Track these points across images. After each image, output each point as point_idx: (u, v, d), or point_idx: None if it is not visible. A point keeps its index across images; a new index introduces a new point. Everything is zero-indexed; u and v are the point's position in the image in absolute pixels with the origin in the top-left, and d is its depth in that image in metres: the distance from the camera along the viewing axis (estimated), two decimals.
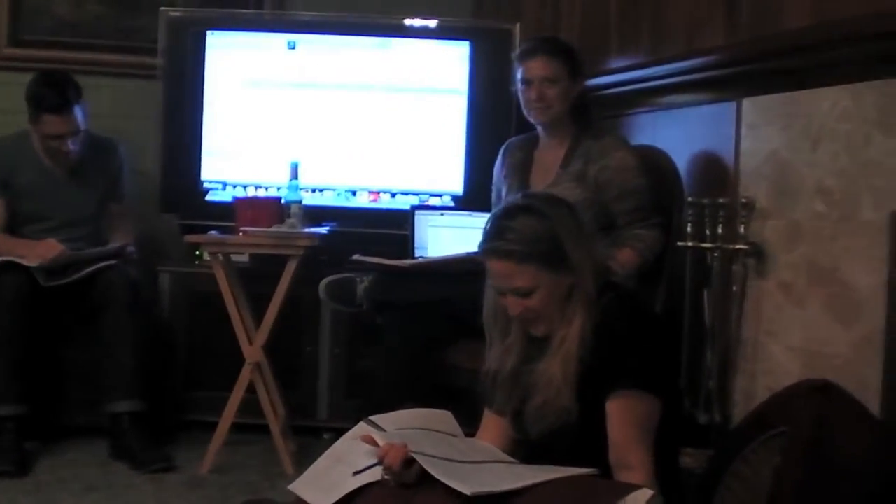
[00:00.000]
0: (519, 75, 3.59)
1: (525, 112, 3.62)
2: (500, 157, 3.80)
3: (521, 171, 3.67)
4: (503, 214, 2.46)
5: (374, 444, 2.37)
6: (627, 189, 3.47)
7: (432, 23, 4.69)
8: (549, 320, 2.44)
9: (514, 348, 2.53)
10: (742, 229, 3.33)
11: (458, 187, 4.58)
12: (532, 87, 3.54)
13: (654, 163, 3.62)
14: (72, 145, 4.28)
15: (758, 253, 3.29)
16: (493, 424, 2.62)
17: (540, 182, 3.59)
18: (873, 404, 2.70)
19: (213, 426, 4.03)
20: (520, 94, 3.61)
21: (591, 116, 3.68)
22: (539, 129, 3.66)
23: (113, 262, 4.21)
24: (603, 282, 2.48)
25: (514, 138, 3.90)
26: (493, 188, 3.83)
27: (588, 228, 2.54)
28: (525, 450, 2.52)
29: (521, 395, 2.51)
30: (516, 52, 3.71)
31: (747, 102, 3.39)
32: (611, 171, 3.47)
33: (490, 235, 2.45)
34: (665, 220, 3.53)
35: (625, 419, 2.36)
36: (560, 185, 3.49)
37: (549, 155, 3.62)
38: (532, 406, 2.46)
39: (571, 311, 2.42)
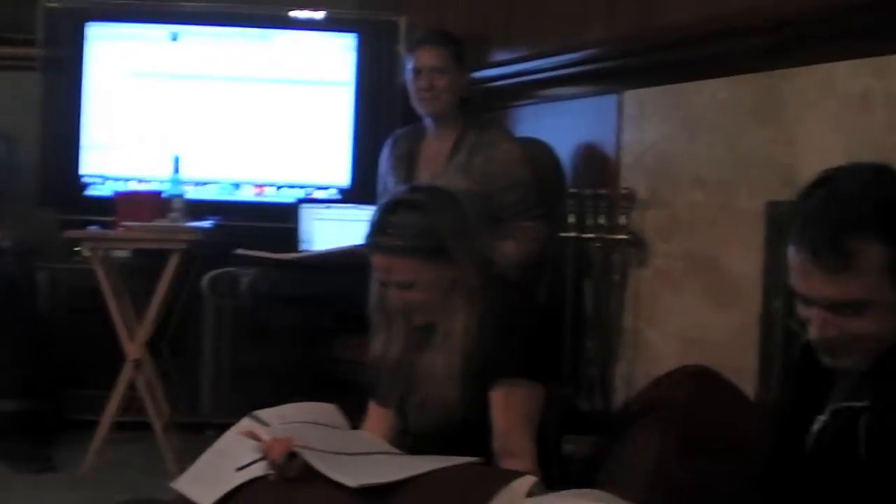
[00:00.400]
0: (409, 65, 3.58)
1: (414, 103, 3.61)
2: (386, 149, 3.78)
3: (408, 163, 3.66)
4: (386, 209, 2.46)
5: (258, 439, 2.35)
6: (512, 181, 3.47)
7: (318, 14, 4.66)
8: (431, 312, 2.45)
9: (398, 338, 2.53)
10: (622, 220, 3.37)
11: (344, 180, 4.56)
12: (422, 77, 3.53)
13: (537, 155, 3.65)
14: None
15: (638, 243, 3.34)
16: (378, 416, 2.62)
17: (426, 173, 3.59)
18: (750, 389, 2.76)
19: (94, 425, 3.97)
20: (409, 85, 3.60)
21: (476, 109, 3.69)
22: (427, 120, 3.65)
23: None
24: (487, 273, 2.49)
25: (400, 130, 3.89)
26: (379, 180, 3.81)
27: (473, 221, 2.54)
28: (411, 441, 2.52)
29: (405, 387, 2.51)
30: (405, 43, 3.70)
31: (628, 95, 3.44)
32: (496, 163, 3.47)
33: (373, 230, 2.45)
34: (548, 212, 3.55)
35: (508, 407, 2.37)
36: (446, 176, 3.49)
37: (436, 147, 3.61)
38: (416, 399, 2.47)
39: (455, 304, 2.43)
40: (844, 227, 1.64)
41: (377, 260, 2.44)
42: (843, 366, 1.75)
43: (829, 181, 1.72)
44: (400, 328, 2.51)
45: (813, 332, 1.71)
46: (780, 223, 2.66)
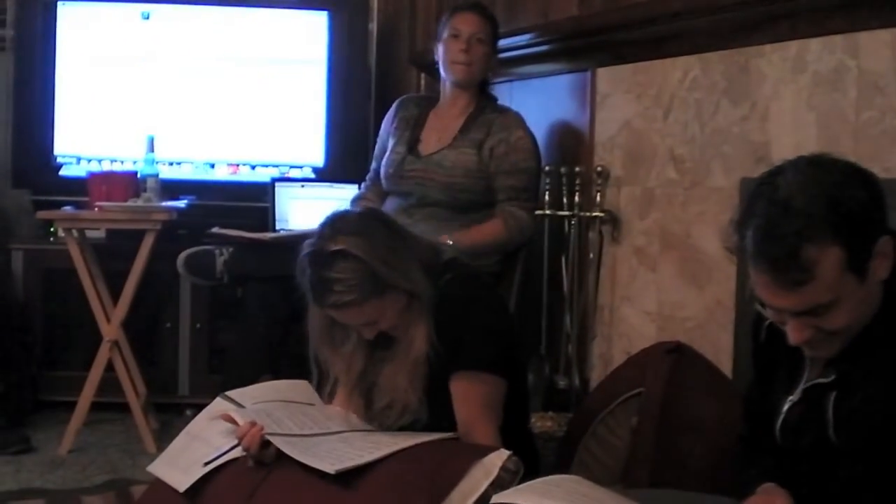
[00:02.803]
0: (445, 32, 3.56)
1: (444, 69, 3.58)
2: (392, 111, 3.77)
3: (413, 127, 3.65)
4: (320, 264, 2.35)
5: (234, 422, 2.35)
6: (518, 168, 3.47)
7: None
8: (402, 327, 2.42)
9: (358, 352, 2.49)
10: (598, 197, 3.39)
11: (318, 159, 4.56)
12: (460, 41, 3.51)
13: None
14: None
15: (613, 220, 3.36)
16: (346, 400, 2.60)
17: (431, 140, 3.59)
18: (726, 365, 2.79)
19: (71, 406, 3.95)
20: (441, 49, 3.57)
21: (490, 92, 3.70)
22: (445, 88, 3.64)
23: None
24: (438, 265, 2.47)
25: (409, 94, 3.90)
26: (379, 140, 3.79)
27: (403, 230, 2.49)
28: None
29: (368, 388, 2.51)
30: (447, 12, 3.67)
31: (601, 72, 3.45)
32: (507, 146, 3.47)
33: (318, 292, 2.35)
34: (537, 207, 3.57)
35: (468, 399, 2.37)
36: (458, 148, 3.50)
37: (447, 117, 3.61)
38: (378, 406, 2.45)
39: (415, 315, 2.40)
40: (798, 239, 1.60)
41: (337, 314, 2.38)
42: (824, 356, 1.76)
43: (768, 188, 1.67)
44: (359, 343, 2.48)
45: (791, 339, 1.69)
46: None
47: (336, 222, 2.40)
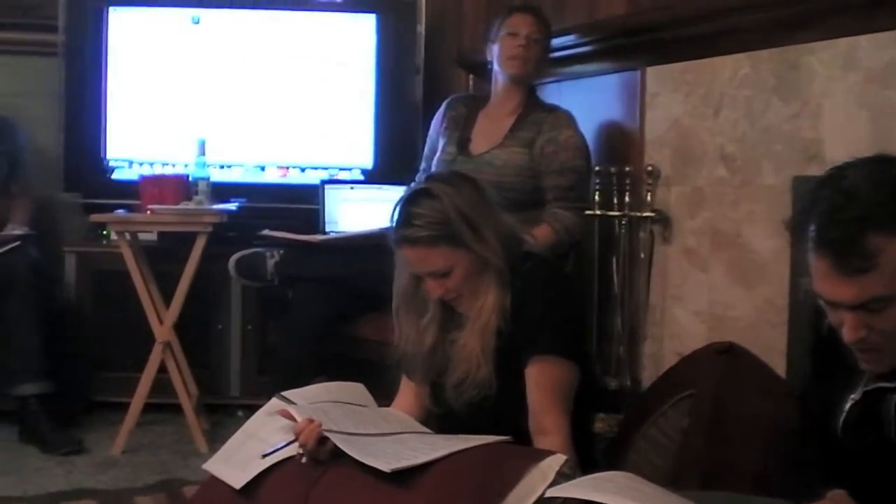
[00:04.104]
0: (502, 31, 3.59)
1: (498, 65, 3.61)
2: (441, 111, 3.81)
3: (463, 127, 3.68)
4: (407, 201, 2.46)
5: (291, 418, 2.37)
6: (567, 167, 3.48)
7: None
8: (471, 295, 2.45)
9: (433, 326, 2.53)
10: (648, 197, 3.37)
11: (367, 161, 4.57)
12: (518, 38, 3.55)
13: None
14: None
15: (663, 220, 3.34)
16: (409, 393, 2.64)
17: (480, 140, 3.61)
18: (779, 365, 2.76)
19: (122, 407, 3.99)
20: (497, 47, 3.60)
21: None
22: (496, 88, 3.67)
23: (14, 244, 4.13)
24: (519, 252, 2.50)
25: (458, 94, 3.92)
26: (428, 140, 3.84)
27: (494, 202, 2.54)
28: (445, 421, 2.54)
29: (440, 368, 2.52)
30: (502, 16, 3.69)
31: (650, 71, 3.44)
32: (557, 145, 3.49)
33: (398, 224, 2.45)
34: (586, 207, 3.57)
35: (542, 384, 2.38)
36: (508, 148, 3.52)
37: (498, 117, 3.64)
38: (452, 380, 2.47)
39: (486, 285, 2.44)
40: (862, 226, 1.59)
41: (408, 253, 2.45)
42: (881, 369, 1.73)
43: (833, 180, 1.67)
44: (434, 315, 2.52)
45: (846, 336, 1.68)
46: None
47: (435, 173, 2.53)
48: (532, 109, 3.59)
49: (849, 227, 1.60)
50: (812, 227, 1.65)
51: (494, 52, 3.61)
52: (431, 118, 3.82)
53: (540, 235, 3.36)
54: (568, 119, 3.55)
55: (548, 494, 1.99)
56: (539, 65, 3.62)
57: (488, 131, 3.61)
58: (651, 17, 3.38)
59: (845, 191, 1.63)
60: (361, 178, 4.54)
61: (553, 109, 3.60)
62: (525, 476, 2.10)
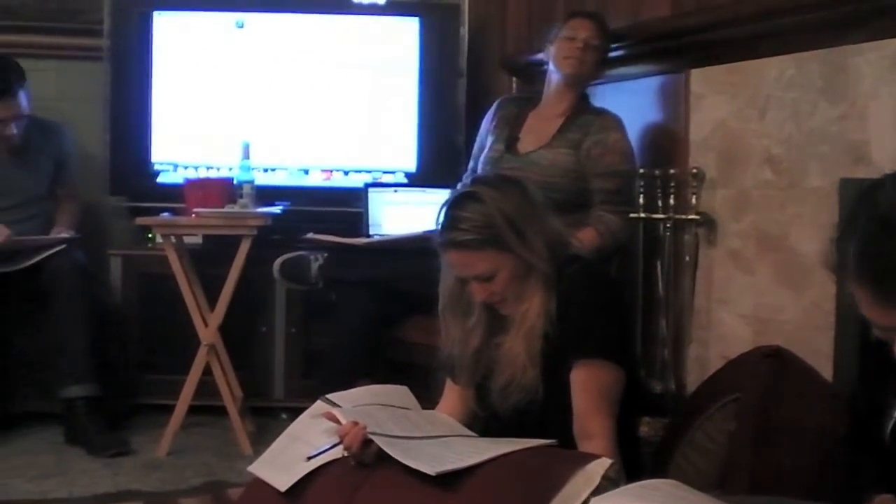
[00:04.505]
0: (561, 33, 3.61)
1: (554, 65, 3.63)
2: (491, 110, 3.84)
3: (512, 127, 3.70)
4: (452, 204, 2.46)
5: (336, 421, 2.37)
6: (613, 170, 3.49)
7: None
8: (516, 299, 2.45)
9: (478, 328, 2.53)
10: (692, 199, 3.35)
11: (410, 164, 4.58)
12: (576, 41, 3.58)
13: None
14: (14, 129, 4.23)
15: (708, 222, 3.32)
16: (454, 396, 2.63)
17: (528, 140, 3.63)
18: (826, 369, 2.74)
19: (166, 409, 4.02)
20: (554, 49, 3.62)
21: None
22: (549, 89, 3.68)
23: (61, 247, 4.17)
24: (565, 255, 2.49)
25: (509, 95, 3.93)
26: (477, 140, 3.86)
27: (541, 205, 2.54)
28: (490, 424, 2.53)
29: (485, 371, 2.52)
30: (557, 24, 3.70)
31: (695, 73, 3.41)
32: (604, 147, 3.50)
33: (444, 227, 2.45)
34: (631, 210, 3.56)
35: (587, 388, 2.37)
36: (555, 148, 3.53)
37: (547, 117, 3.65)
38: (497, 384, 2.46)
39: (531, 289, 2.43)
40: None
41: (453, 256, 2.45)
42: None
43: (867, 204, 1.61)
44: (480, 318, 2.52)
45: None
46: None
47: (482, 175, 2.52)
48: (581, 112, 3.60)
49: (885, 259, 1.57)
50: (850, 257, 1.62)
51: (551, 54, 3.63)
52: (475, 121, 3.83)
53: (585, 238, 3.35)
54: (616, 122, 3.55)
55: (592, 503, 1.98)
56: (594, 70, 3.63)
57: (537, 131, 3.63)
58: (695, 20, 3.37)
59: (879, 218, 1.59)
60: (405, 181, 4.55)
61: (602, 112, 3.61)
62: (570, 480, 2.09)
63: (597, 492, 2.07)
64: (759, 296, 3.11)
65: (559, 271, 2.43)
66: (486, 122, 3.81)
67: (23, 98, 4.22)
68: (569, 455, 2.24)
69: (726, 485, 2.46)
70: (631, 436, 2.56)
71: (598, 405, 2.36)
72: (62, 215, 4.46)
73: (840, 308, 2.76)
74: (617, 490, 2.00)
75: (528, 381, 2.40)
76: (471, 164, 3.80)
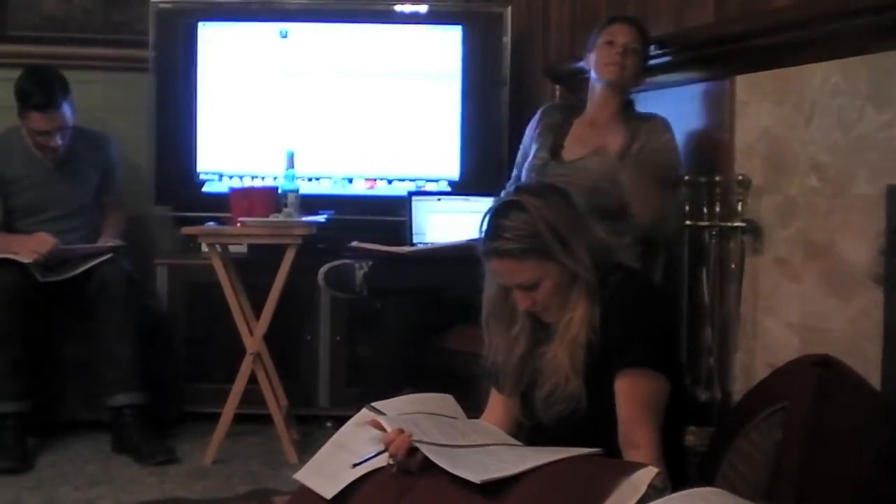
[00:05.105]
0: (600, 39, 3.59)
1: (596, 71, 3.61)
2: (535, 118, 3.81)
3: (556, 135, 3.68)
4: (496, 212, 2.46)
5: (381, 428, 2.38)
6: (666, 164, 3.49)
7: (423, 8, 4.69)
8: (560, 308, 2.45)
9: (522, 337, 2.53)
10: (738, 207, 3.33)
11: (454, 172, 4.59)
12: (615, 47, 3.55)
13: None
14: (59, 140, 4.27)
15: (754, 230, 3.29)
16: (499, 405, 2.63)
17: (574, 148, 3.61)
18: (874, 378, 2.71)
19: (212, 417, 4.05)
20: (595, 55, 3.60)
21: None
22: (593, 96, 3.66)
23: (108, 255, 4.20)
24: (608, 263, 2.49)
25: (553, 102, 3.92)
26: (521, 148, 3.83)
27: (584, 213, 2.53)
28: (535, 434, 2.53)
29: (529, 380, 2.52)
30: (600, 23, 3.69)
31: (740, 80, 3.39)
32: (653, 150, 3.48)
33: (487, 236, 2.45)
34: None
35: (632, 397, 2.36)
36: (602, 154, 3.52)
37: (592, 124, 3.63)
38: (541, 393, 2.46)
39: (575, 298, 2.43)
40: None
41: (496, 265, 2.45)
42: None
43: None
44: (524, 326, 2.52)
45: None
46: None
47: (525, 183, 2.55)
48: (628, 119, 3.58)
49: None
50: None
51: (592, 61, 3.61)
52: (518, 129, 3.82)
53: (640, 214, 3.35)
54: (665, 124, 3.54)
55: None
56: (636, 74, 3.60)
57: (582, 138, 3.61)
58: (739, 26, 3.34)
59: None
60: (448, 189, 4.55)
61: (649, 117, 3.60)
62: (616, 489, 2.08)
63: (642, 501, 2.06)
64: (806, 304, 3.08)
65: (603, 280, 2.43)
66: (530, 130, 3.79)
67: (67, 110, 4.26)
68: (614, 464, 2.23)
69: (773, 494, 2.44)
70: (677, 445, 2.54)
71: (643, 414, 2.35)
72: (108, 225, 4.51)
73: (888, 317, 2.73)
74: (662, 499, 1.99)
75: (572, 391, 2.40)
76: (514, 171, 3.80)
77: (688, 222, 3.51)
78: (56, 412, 4.30)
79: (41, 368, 4.20)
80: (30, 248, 4.10)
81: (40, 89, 4.20)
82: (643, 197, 3.39)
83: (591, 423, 2.38)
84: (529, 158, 3.68)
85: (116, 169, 4.62)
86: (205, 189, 4.65)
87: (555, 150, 3.62)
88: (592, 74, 3.63)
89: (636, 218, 3.40)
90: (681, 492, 1.99)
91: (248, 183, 4.57)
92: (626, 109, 3.64)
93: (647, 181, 3.39)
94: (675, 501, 1.94)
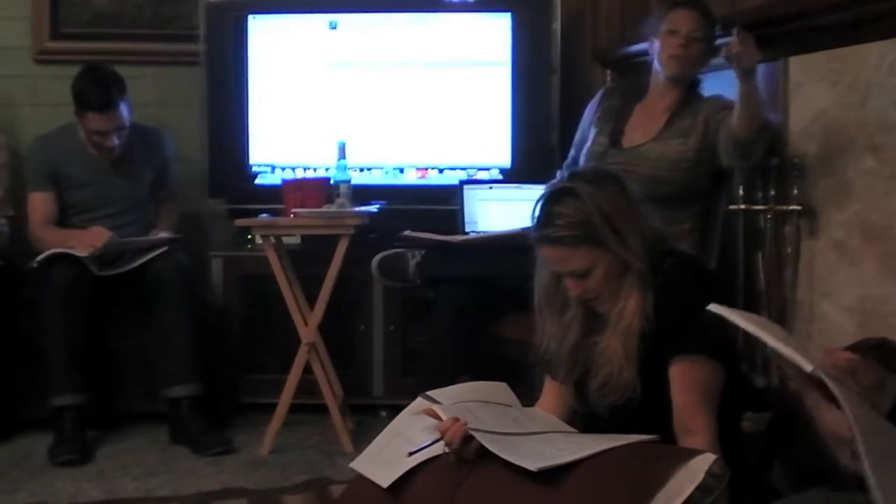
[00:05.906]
0: (663, 27, 3.52)
1: (658, 63, 3.56)
2: (595, 100, 3.77)
3: (617, 118, 3.64)
4: (549, 199, 2.45)
5: (437, 417, 2.38)
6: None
7: None
8: (611, 296, 2.43)
9: (575, 324, 2.52)
10: (794, 190, 3.30)
11: (505, 160, 4.57)
12: (678, 36, 3.48)
13: None
14: (116, 140, 4.30)
15: (810, 213, 3.26)
16: (553, 393, 2.63)
17: (634, 133, 3.58)
18: None
19: (268, 408, 4.07)
20: (658, 44, 3.54)
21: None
22: (656, 83, 3.62)
23: (163, 249, 4.24)
24: (662, 250, 2.47)
25: (614, 84, 3.86)
26: (579, 130, 3.80)
27: (638, 201, 2.51)
28: (590, 421, 2.52)
29: (583, 369, 2.51)
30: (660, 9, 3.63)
31: (793, 61, 3.35)
32: (721, 118, 3.39)
33: (539, 223, 2.44)
34: None
35: (687, 384, 2.35)
36: (664, 141, 3.50)
37: (653, 112, 3.59)
38: (595, 383, 2.45)
39: (628, 286, 2.41)
40: None
41: (548, 252, 2.44)
42: None
43: None
44: (577, 314, 2.50)
45: None
46: None
47: (579, 169, 2.69)
48: (687, 103, 3.54)
49: None
50: None
51: (654, 49, 3.55)
52: (569, 115, 3.80)
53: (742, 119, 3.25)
54: (725, 101, 3.46)
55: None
56: (700, 62, 3.54)
57: (643, 125, 3.57)
58: (794, 6, 3.30)
59: None
60: (500, 177, 4.54)
61: (710, 98, 3.55)
62: (673, 476, 2.07)
63: (703, 488, 2.05)
64: (864, 287, 3.04)
65: (656, 267, 2.41)
66: (589, 113, 3.75)
67: (124, 109, 4.28)
68: (672, 451, 2.22)
69: (831, 480, 2.41)
70: (734, 432, 2.52)
71: (698, 401, 2.33)
72: (162, 219, 4.54)
73: None
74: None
75: (625, 381, 2.38)
76: (571, 152, 3.76)
77: (742, 206, 3.47)
78: (114, 405, 4.35)
79: (99, 362, 4.24)
80: (85, 242, 4.13)
81: (98, 90, 4.23)
82: (752, 107, 3.23)
83: (645, 411, 2.37)
84: (588, 143, 3.64)
85: (171, 164, 4.64)
86: (257, 181, 4.67)
87: (615, 137, 3.58)
88: (655, 63, 3.57)
89: (733, 128, 3.27)
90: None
91: (300, 174, 4.58)
92: (690, 94, 3.58)
93: (759, 98, 3.27)
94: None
